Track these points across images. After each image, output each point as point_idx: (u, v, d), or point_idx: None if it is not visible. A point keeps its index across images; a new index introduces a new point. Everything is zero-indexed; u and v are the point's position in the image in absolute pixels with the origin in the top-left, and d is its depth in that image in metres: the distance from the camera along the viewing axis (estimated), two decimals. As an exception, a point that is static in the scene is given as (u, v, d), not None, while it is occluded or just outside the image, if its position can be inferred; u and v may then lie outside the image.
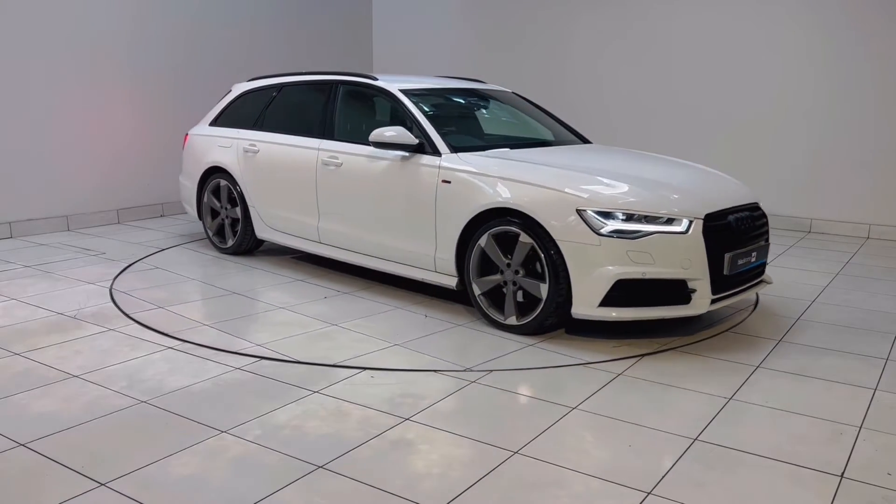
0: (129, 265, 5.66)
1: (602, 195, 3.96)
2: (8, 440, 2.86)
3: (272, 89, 5.90)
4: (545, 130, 5.51)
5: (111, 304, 4.67)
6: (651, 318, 3.94)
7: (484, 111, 5.63)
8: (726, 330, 4.31)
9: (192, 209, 6.34)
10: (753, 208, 4.36)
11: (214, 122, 6.22)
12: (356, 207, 4.94)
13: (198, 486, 2.55)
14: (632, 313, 3.88)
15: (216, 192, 6.04)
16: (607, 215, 3.85)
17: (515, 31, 8.90)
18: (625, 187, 4.07)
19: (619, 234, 3.80)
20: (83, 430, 2.96)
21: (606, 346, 4.02)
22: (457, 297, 4.83)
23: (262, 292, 4.96)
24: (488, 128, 5.54)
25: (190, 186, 6.28)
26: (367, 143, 4.80)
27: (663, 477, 2.65)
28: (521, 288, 4.13)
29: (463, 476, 2.64)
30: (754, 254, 4.21)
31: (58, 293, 4.88)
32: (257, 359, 3.76)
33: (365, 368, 3.64)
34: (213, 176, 6.02)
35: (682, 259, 3.83)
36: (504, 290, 4.20)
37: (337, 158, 5.03)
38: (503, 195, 4.13)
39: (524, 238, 4.03)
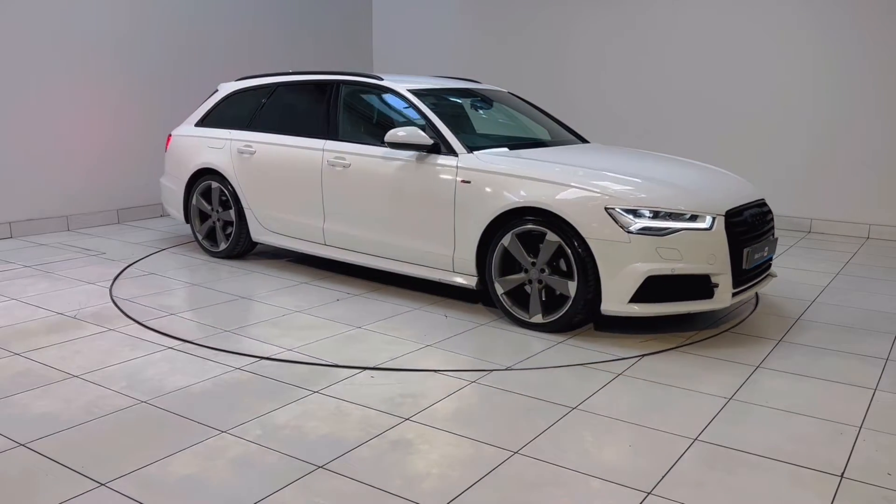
0: (129, 265, 5.66)
1: (629, 193, 4.03)
2: (8, 440, 2.86)
3: (265, 89, 5.79)
4: (546, 130, 5.51)
5: (111, 304, 4.67)
6: (678, 312, 4.03)
7: (484, 111, 5.63)
8: (726, 330, 4.31)
9: (177, 212, 6.15)
10: (762, 204, 4.50)
11: (201, 123, 6.07)
12: (366, 208, 4.90)
13: (198, 486, 2.55)
14: (660, 308, 3.97)
15: (206, 194, 5.90)
16: (634, 213, 3.93)
17: (516, 31, 8.90)
18: (647, 185, 4.14)
19: (648, 231, 3.89)
20: (83, 430, 2.96)
21: (635, 342, 4.08)
22: (469, 296, 4.85)
23: (271, 296, 4.90)
24: (492, 128, 5.54)
25: (176, 189, 6.10)
26: (377, 144, 4.84)
27: (663, 477, 2.65)
28: (545, 286, 4.16)
29: (463, 476, 2.64)
30: (766, 248, 4.35)
31: (58, 293, 4.87)
32: (257, 359, 3.76)
33: (365, 368, 3.65)
34: (203, 178, 5.87)
35: (708, 255, 3.93)
36: (526, 288, 4.24)
37: (344, 159, 4.98)
38: (531, 194, 4.15)
39: (551, 237, 4.07)
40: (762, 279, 4.46)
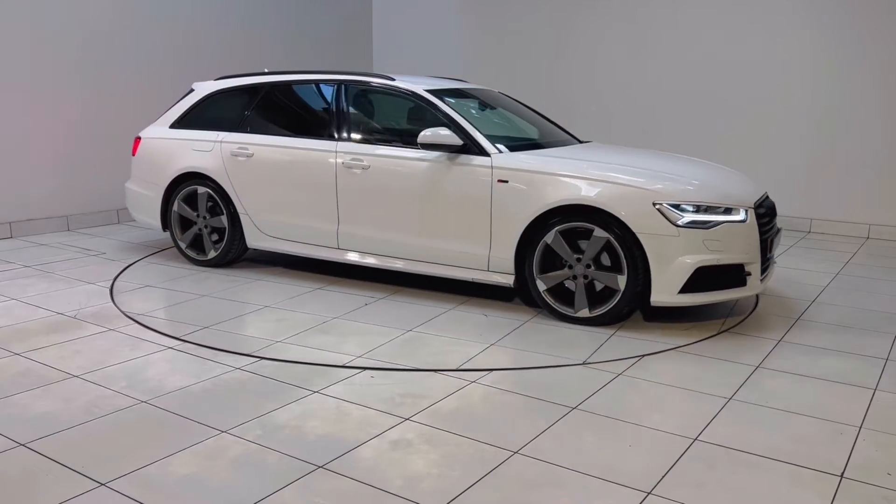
0: (129, 265, 5.66)
1: (673, 189, 4.19)
2: (8, 440, 2.86)
3: (255, 89, 5.56)
4: (536, 129, 5.49)
5: (111, 304, 4.67)
6: (719, 300, 4.27)
7: (478, 111, 5.59)
8: (726, 330, 4.32)
9: (153, 220, 5.77)
10: (767, 196, 4.73)
11: (178, 125, 5.78)
12: (390, 210, 4.82)
13: (198, 486, 2.55)
14: (704, 298, 4.18)
15: (189, 200, 5.57)
16: (678, 207, 4.11)
17: (515, 31, 8.89)
18: (685, 181, 4.32)
19: (694, 224, 4.09)
20: (83, 430, 2.96)
21: (678, 330, 4.28)
22: (495, 294, 4.87)
23: (295, 304, 4.70)
24: (488, 128, 5.51)
25: (151, 195, 5.73)
26: (397, 145, 4.87)
27: (663, 477, 2.65)
28: (591, 280, 4.28)
29: (463, 476, 2.64)
30: (779, 237, 4.67)
31: (58, 293, 4.87)
32: (257, 359, 3.76)
33: (365, 368, 3.65)
34: (187, 182, 5.56)
35: (744, 245, 4.19)
36: (567, 284, 4.36)
37: (362, 161, 4.90)
38: (579, 192, 4.24)
39: (599, 233, 4.19)
40: (771, 266, 4.72)
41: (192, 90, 5.92)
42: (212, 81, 5.86)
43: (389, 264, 4.94)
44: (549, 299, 4.41)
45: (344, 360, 3.76)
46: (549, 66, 8.71)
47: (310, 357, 3.80)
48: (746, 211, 4.22)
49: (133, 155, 5.97)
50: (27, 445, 2.82)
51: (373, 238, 4.95)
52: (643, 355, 3.90)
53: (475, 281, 4.68)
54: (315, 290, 5.04)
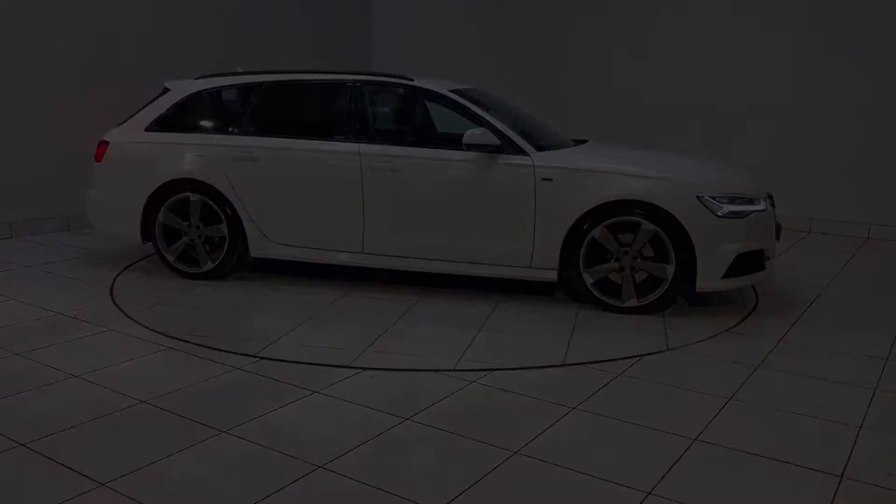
0: (129, 265, 5.66)
1: (711, 182, 4.50)
2: (8, 440, 2.86)
3: (250, 89, 5.30)
4: (542, 128, 5.45)
5: (111, 304, 4.67)
6: (749, 283, 4.66)
7: (488, 111, 5.54)
8: (726, 330, 4.32)
9: (131, 231, 5.23)
10: None
11: (154, 127, 5.31)
12: (424, 212, 4.75)
13: (198, 486, 2.56)
14: (739, 282, 4.51)
15: (178, 208, 5.12)
16: (716, 199, 4.38)
17: (516, 30, 8.89)
18: (716, 175, 4.70)
19: (732, 214, 4.38)
20: (83, 430, 2.96)
21: (717, 313, 4.58)
22: (531, 289, 4.91)
23: (337, 313, 4.52)
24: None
25: (128, 204, 5.20)
26: (425, 146, 4.85)
27: (663, 477, 2.65)
28: (637, 271, 4.48)
29: (463, 476, 2.64)
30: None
31: (58, 293, 4.87)
32: (257, 359, 3.76)
33: (366, 369, 3.65)
34: (174, 190, 5.10)
35: (767, 232, 4.54)
36: (611, 276, 4.52)
37: (391, 162, 4.78)
38: (628, 188, 4.41)
39: (647, 226, 4.37)
40: None
41: (166, 90, 5.46)
42: (191, 81, 5.47)
43: (424, 266, 4.85)
44: (595, 292, 4.53)
45: (450, 363, 3.71)
46: (550, 64, 8.70)
47: (415, 364, 3.71)
48: (765, 200, 4.54)
49: (97, 161, 5.39)
50: (27, 445, 2.82)
51: (405, 241, 4.83)
52: (726, 329, 4.24)
53: (517, 278, 4.70)
54: (343, 298, 4.81)
